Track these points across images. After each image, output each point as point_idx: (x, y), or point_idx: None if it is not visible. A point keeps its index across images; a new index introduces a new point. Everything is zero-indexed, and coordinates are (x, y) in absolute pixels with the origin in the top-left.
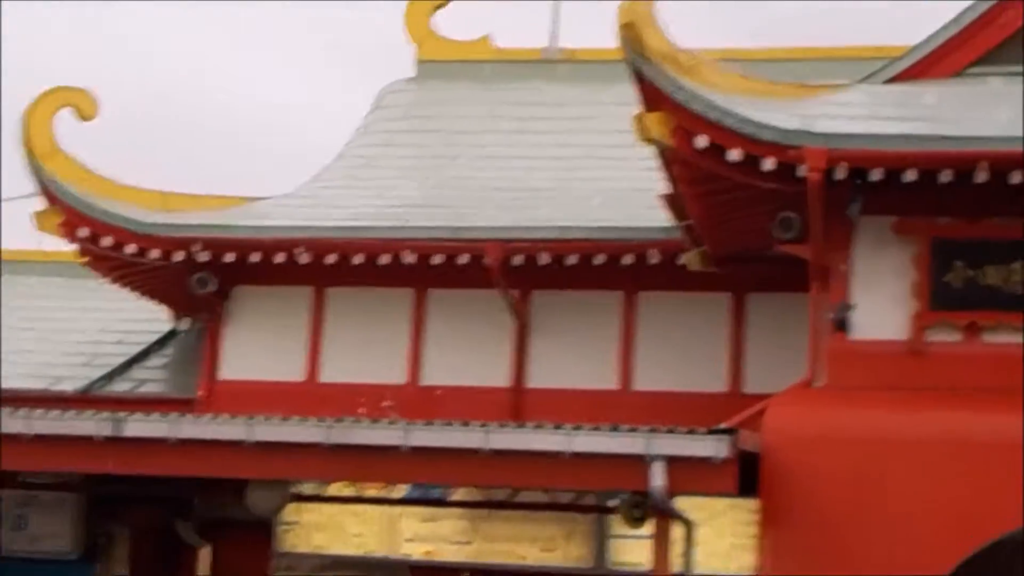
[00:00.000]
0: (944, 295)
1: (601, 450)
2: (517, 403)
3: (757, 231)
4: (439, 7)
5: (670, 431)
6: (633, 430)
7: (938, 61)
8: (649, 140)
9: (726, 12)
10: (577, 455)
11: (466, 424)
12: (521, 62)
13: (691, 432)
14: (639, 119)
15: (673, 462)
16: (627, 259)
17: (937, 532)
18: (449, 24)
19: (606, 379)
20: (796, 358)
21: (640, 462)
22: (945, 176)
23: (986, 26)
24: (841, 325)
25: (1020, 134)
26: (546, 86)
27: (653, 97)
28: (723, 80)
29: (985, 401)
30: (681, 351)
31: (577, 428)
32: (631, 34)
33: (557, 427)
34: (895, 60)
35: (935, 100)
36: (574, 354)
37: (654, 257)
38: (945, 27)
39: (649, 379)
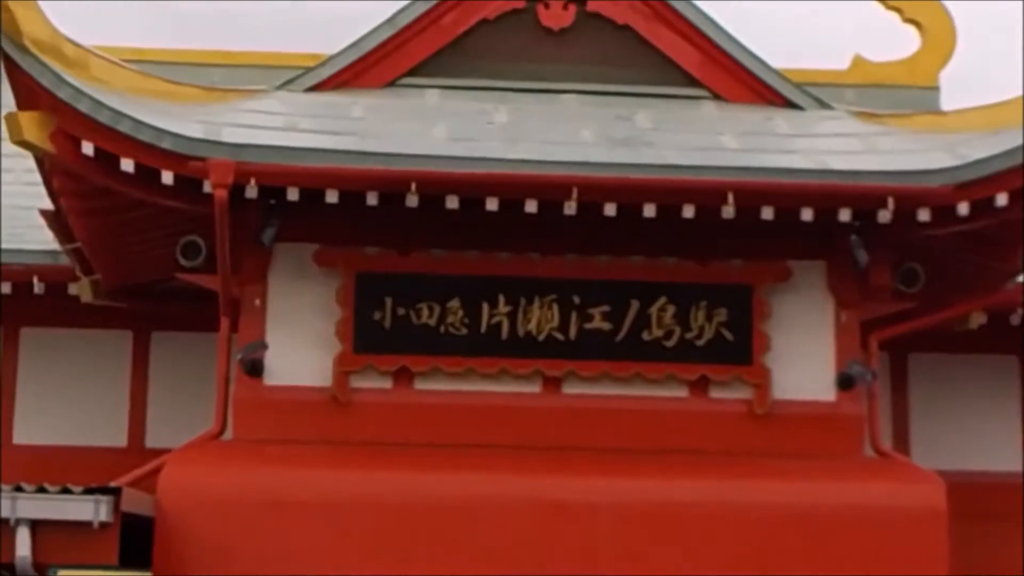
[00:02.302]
0: (372, 336)
1: None
2: None
3: (160, 258)
4: None
5: (39, 490)
6: None
7: (369, 68)
8: (23, 143)
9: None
10: None
11: None
12: None
13: (65, 491)
14: (11, 118)
15: (41, 527)
16: (4, 288)
17: None
18: None
19: None
20: (206, 407)
21: (5, 526)
22: (372, 199)
23: (423, 31)
24: (252, 369)
25: (456, 154)
26: None
27: (30, 93)
28: (118, 78)
29: (415, 458)
30: (73, 399)
31: None
32: (3, 16)
33: None
34: (320, 65)
35: (363, 112)
36: None
37: (38, 286)
38: (377, 29)
39: (33, 432)
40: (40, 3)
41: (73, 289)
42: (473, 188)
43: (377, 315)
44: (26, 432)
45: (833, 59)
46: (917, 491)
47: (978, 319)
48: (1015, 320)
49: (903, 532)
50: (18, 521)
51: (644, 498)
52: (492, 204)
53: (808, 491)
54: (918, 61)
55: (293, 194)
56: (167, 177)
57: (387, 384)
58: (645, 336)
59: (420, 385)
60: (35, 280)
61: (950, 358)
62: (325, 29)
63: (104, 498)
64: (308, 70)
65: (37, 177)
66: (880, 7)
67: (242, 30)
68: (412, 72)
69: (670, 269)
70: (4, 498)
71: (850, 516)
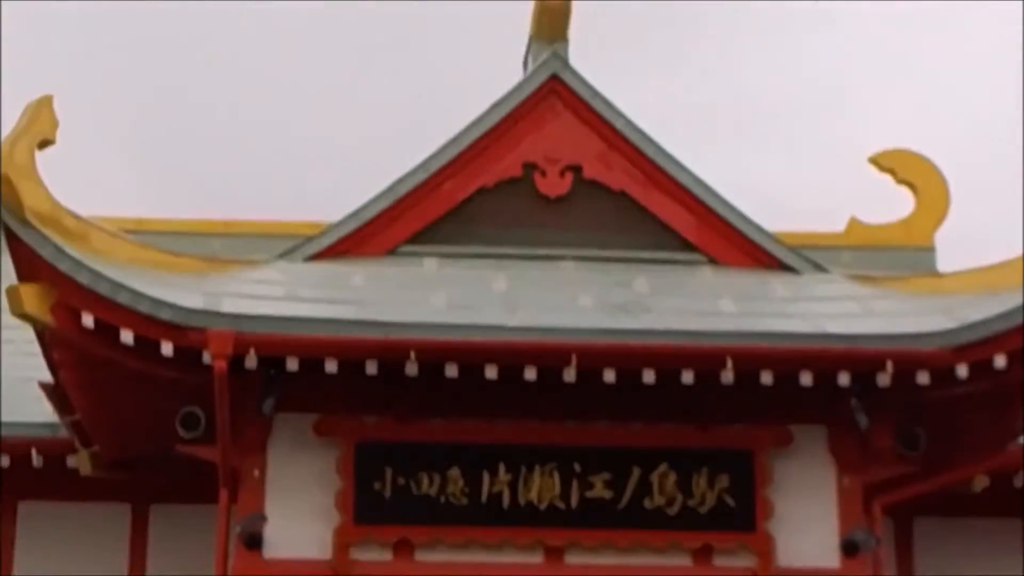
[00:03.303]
0: (372, 507)
1: None
2: None
3: (160, 429)
4: None
5: None
6: None
7: (369, 237)
8: (23, 316)
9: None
10: None
11: None
12: None
13: None
14: (12, 291)
15: None
16: (3, 461)
17: None
18: None
19: None
20: None
21: None
22: (371, 368)
23: (422, 200)
24: (251, 541)
25: (455, 321)
26: None
27: (31, 265)
28: (118, 249)
29: None
30: (71, 572)
31: None
32: (5, 190)
33: None
34: (320, 234)
35: (363, 281)
36: None
37: (37, 459)
38: (377, 198)
39: None
40: (42, 176)
41: (72, 461)
42: (472, 356)
43: (377, 485)
44: None
45: (828, 220)
46: None
47: (981, 482)
48: (1018, 482)
49: None
50: None
51: None
52: (491, 372)
53: None
54: (913, 222)
55: (293, 364)
56: (167, 348)
57: (388, 556)
58: (647, 504)
59: (421, 556)
60: (34, 452)
61: (954, 522)
62: (328, 197)
63: None
64: (308, 239)
65: (37, 348)
66: (874, 169)
67: (243, 198)
68: (411, 240)
69: (670, 435)
70: None
71: None
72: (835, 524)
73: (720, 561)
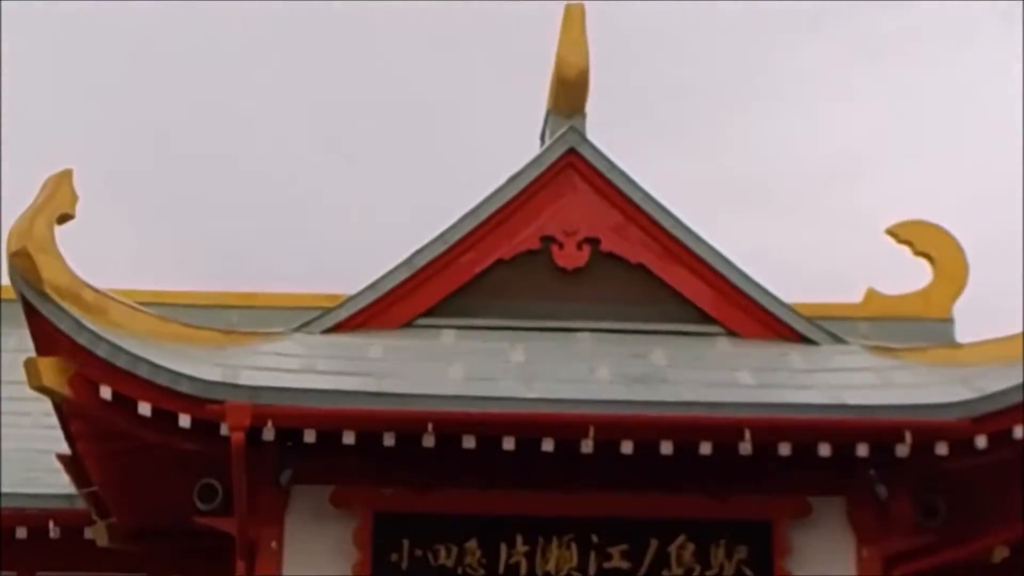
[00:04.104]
0: None
1: None
2: None
3: (177, 500)
4: None
5: None
6: None
7: (386, 309)
8: (41, 389)
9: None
10: None
11: None
12: None
13: None
14: (30, 364)
15: None
16: (20, 533)
17: None
18: None
19: None
20: None
21: None
22: (388, 440)
23: (439, 272)
24: None
25: (472, 393)
26: None
27: (49, 338)
28: (136, 322)
29: None
30: None
31: None
32: (24, 264)
33: None
34: (338, 306)
35: (380, 353)
36: None
37: (54, 530)
38: (395, 270)
39: None
40: (60, 250)
41: (89, 533)
42: (490, 428)
43: (394, 556)
44: None
45: (845, 291)
46: None
47: (1001, 552)
48: None
49: None
50: None
51: None
52: (509, 443)
53: None
54: (931, 293)
55: (310, 436)
56: (184, 420)
57: None
58: (665, 575)
59: None
60: (51, 524)
61: None
62: (345, 267)
63: None
64: (326, 311)
65: (54, 420)
66: (892, 241)
67: (260, 270)
68: (429, 312)
69: (688, 506)
70: None
71: None
72: None
73: None
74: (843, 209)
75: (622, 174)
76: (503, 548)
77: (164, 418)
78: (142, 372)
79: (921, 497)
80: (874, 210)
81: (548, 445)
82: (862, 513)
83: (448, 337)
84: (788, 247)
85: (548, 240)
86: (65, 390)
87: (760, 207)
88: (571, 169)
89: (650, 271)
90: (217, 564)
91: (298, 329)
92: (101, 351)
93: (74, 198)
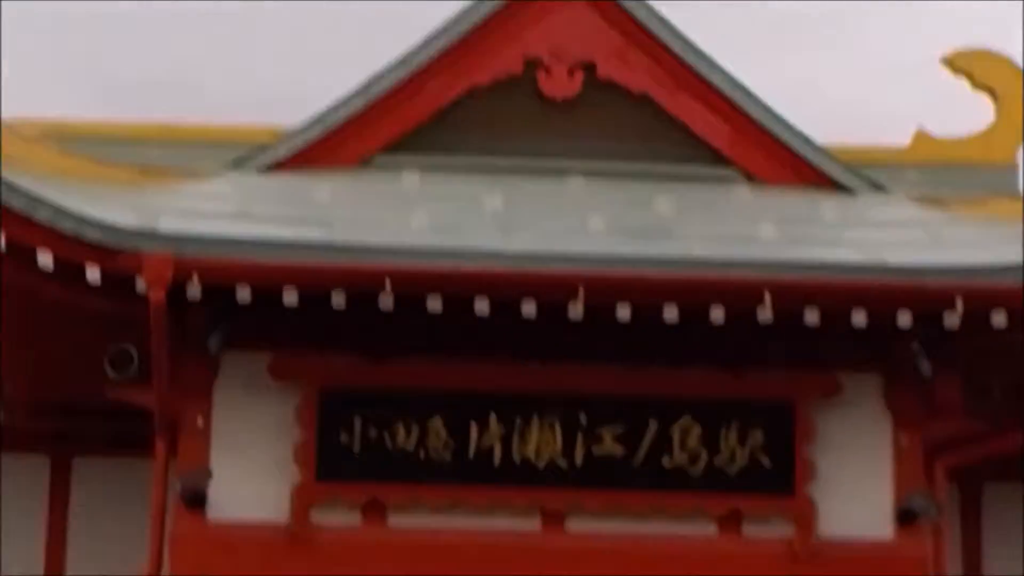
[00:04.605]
0: (338, 462)
1: None
2: None
3: (85, 370)
4: None
5: None
6: None
7: (339, 145)
8: None
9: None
10: None
11: None
12: None
13: None
14: None
15: None
16: None
17: None
18: None
19: None
20: (136, 546)
21: None
22: (339, 300)
23: (402, 101)
24: (193, 500)
25: (438, 246)
26: None
27: None
28: (37, 157)
29: None
30: None
31: None
32: None
33: None
34: (279, 142)
35: (329, 197)
36: None
37: None
38: (348, 100)
39: None
40: None
41: None
42: (460, 287)
43: (344, 437)
44: None
45: (891, 133)
46: None
47: None
48: None
49: None
50: None
51: None
52: (482, 306)
53: None
54: (993, 135)
55: (244, 295)
56: (93, 274)
57: (356, 519)
58: (665, 462)
59: (395, 520)
60: None
61: None
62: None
63: None
64: (265, 147)
65: None
66: (947, 72)
67: (204, 105)
68: (388, 148)
69: (695, 382)
70: None
71: None
72: (889, 489)
73: (751, 530)
74: (890, 37)
75: None
76: (473, 428)
77: (68, 271)
78: (42, 216)
79: (972, 376)
80: (927, 40)
81: (529, 309)
82: (901, 394)
83: (411, 178)
84: (823, 83)
85: (533, 64)
86: None
87: (788, 36)
88: None
89: (655, 103)
90: (132, 444)
91: (231, 168)
92: None
93: None
